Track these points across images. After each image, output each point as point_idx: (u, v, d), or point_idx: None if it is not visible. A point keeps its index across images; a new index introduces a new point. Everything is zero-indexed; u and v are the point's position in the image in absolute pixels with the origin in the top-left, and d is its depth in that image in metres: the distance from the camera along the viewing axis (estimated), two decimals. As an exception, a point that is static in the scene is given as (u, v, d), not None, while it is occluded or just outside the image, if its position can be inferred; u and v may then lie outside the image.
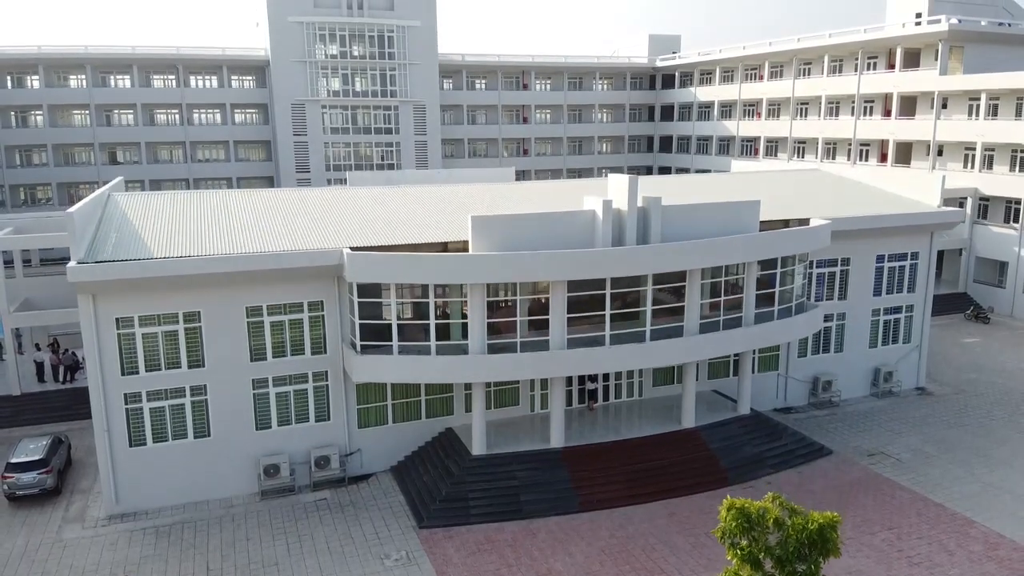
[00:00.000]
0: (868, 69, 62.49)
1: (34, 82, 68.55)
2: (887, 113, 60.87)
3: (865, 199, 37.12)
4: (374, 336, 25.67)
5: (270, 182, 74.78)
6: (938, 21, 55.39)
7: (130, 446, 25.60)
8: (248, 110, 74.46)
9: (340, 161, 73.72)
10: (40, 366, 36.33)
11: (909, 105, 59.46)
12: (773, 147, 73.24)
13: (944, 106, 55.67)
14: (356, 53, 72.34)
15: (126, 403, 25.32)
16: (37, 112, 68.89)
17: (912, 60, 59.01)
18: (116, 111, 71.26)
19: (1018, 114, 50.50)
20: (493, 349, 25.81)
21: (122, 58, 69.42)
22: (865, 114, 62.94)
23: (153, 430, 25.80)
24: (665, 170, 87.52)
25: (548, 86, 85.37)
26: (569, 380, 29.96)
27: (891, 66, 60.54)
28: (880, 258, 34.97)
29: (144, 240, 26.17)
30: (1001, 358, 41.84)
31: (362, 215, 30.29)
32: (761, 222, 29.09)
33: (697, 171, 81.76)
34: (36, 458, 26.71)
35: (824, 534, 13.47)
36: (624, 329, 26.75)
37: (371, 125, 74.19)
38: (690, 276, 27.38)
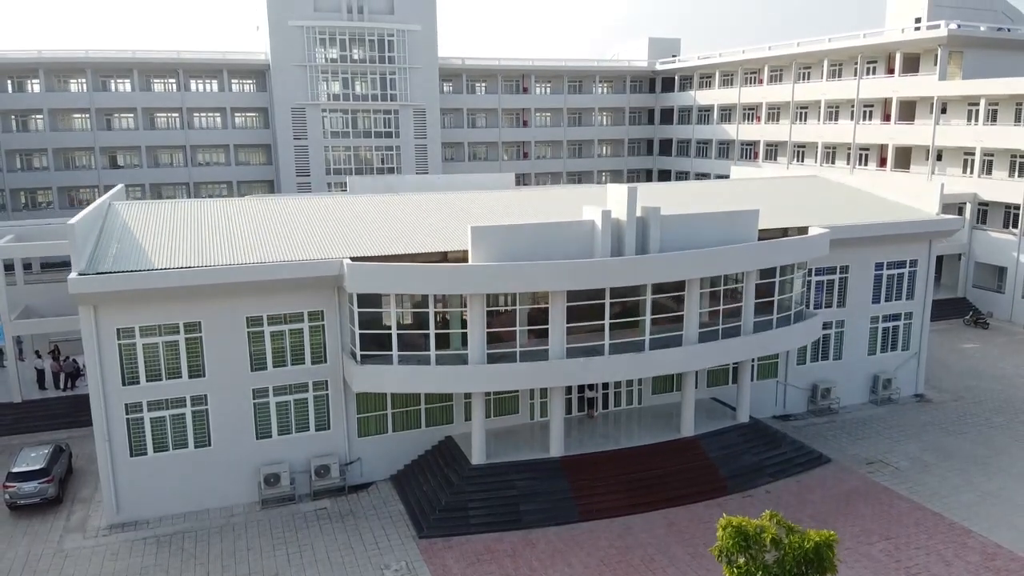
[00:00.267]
0: (867, 74, 62.59)
1: (34, 86, 68.62)
2: (886, 118, 60.95)
3: (864, 206, 37.20)
4: (374, 346, 25.75)
5: (270, 186, 74.93)
6: (937, 26, 55.46)
7: (131, 456, 25.70)
8: (248, 114, 74.56)
9: (340, 165, 73.82)
10: (41, 373, 36.42)
11: (908, 110, 59.55)
12: (773, 151, 73.33)
13: (943, 111, 55.76)
14: (356, 57, 72.43)
15: (127, 413, 25.41)
16: (38, 116, 68.95)
17: (911, 65, 59.11)
18: (116, 115, 71.33)
19: (1017, 119, 50.57)
20: (493, 359, 25.88)
21: (122, 62, 69.47)
22: (864, 118, 63.02)
23: (154, 440, 25.90)
24: (665, 173, 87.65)
25: (548, 89, 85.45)
26: (568, 388, 30.06)
27: (890, 71, 60.63)
28: (879, 265, 35.07)
29: (145, 250, 26.26)
30: (1000, 364, 41.92)
31: (362, 223, 30.38)
32: (760, 230, 29.19)
33: (697, 174, 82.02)
34: (37, 467, 26.80)
35: (820, 553, 13.56)
36: (623, 338, 26.84)
37: (371, 129, 74.28)
38: (689, 285, 27.46)
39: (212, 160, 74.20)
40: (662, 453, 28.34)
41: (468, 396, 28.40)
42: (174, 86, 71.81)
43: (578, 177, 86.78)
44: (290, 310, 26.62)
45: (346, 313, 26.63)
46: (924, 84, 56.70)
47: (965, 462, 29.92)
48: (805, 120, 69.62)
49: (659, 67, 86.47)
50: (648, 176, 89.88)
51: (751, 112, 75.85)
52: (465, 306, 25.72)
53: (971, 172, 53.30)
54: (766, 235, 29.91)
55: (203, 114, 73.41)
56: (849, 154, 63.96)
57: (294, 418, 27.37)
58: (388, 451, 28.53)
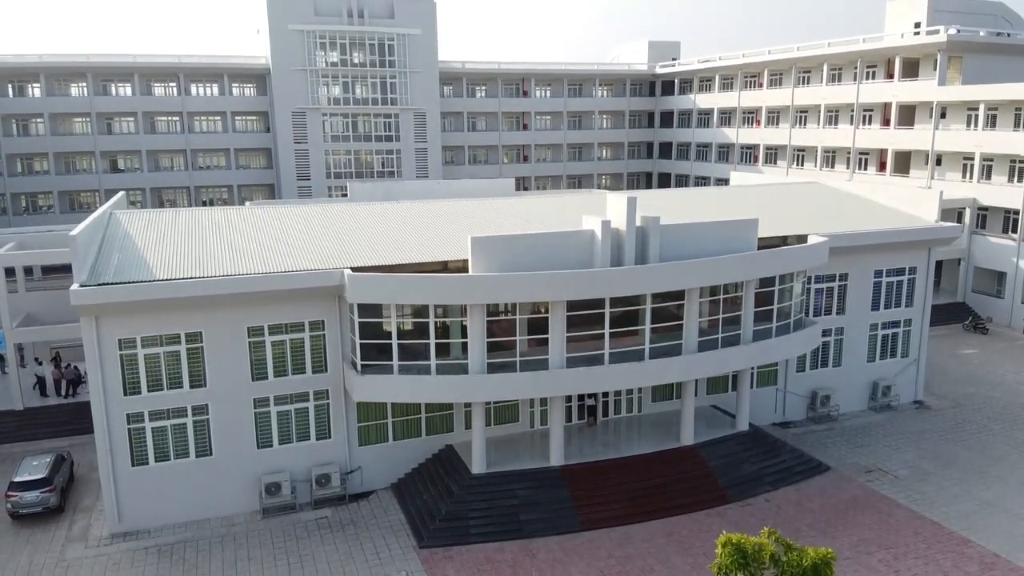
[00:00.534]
0: (867, 78, 62.68)
1: (35, 91, 68.75)
2: (886, 122, 61.05)
3: (863, 214, 37.28)
4: (375, 355, 25.84)
5: (271, 190, 75.07)
6: (937, 31, 55.57)
7: (132, 465, 25.79)
8: (249, 118, 74.68)
9: (341, 169, 73.93)
10: (41, 380, 36.52)
11: (908, 114, 59.64)
12: (772, 155, 73.43)
13: (943, 116, 55.85)
14: (356, 61, 72.55)
15: (128, 423, 25.51)
16: (38, 120, 69.09)
17: (911, 69, 59.19)
18: (117, 119, 71.43)
19: (1016, 125, 50.65)
20: (493, 368, 25.97)
21: (123, 66, 69.63)
22: (864, 123, 63.11)
23: (155, 449, 26.00)
24: (665, 176, 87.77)
25: (548, 93, 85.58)
26: (569, 397, 30.16)
27: (890, 75, 60.72)
28: (878, 273, 35.14)
29: (146, 260, 26.36)
30: (999, 370, 42.00)
31: (362, 232, 30.48)
32: (760, 238, 29.30)
33: (697, 178, 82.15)
34: (39, 477, 26.93)
35: (818, 571, 13.65)
36: (623, 347, 26.92)
37: (371, 132, 74.40)
38: (688, 294, 27.55)
39: (213, 164, 74.31)
40: (662, 462, 28.44)
41: (468, 405, 28.49)
42: (175, 90, 71.95)
43: (578, 180, 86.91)
44: (291, 320, 26.71)
45: (347, 323, 26.73)
46: (923, 89, 56.79)
47: (964, 470, 30.01)
48: (805, 124, 69.72)
49: (659, 70, 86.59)
50: (648, 179, 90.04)
51: (751, 116, 75.95)
52: (465, 315, 25.82)
53: (970, 177, 53.40)
54: (766, 243, 30.04)
55: (204, 118, 73.53)
56: (849, 158, 64.05)
57: (295, 427, 27.47)
58: (389, 460, 28.63)
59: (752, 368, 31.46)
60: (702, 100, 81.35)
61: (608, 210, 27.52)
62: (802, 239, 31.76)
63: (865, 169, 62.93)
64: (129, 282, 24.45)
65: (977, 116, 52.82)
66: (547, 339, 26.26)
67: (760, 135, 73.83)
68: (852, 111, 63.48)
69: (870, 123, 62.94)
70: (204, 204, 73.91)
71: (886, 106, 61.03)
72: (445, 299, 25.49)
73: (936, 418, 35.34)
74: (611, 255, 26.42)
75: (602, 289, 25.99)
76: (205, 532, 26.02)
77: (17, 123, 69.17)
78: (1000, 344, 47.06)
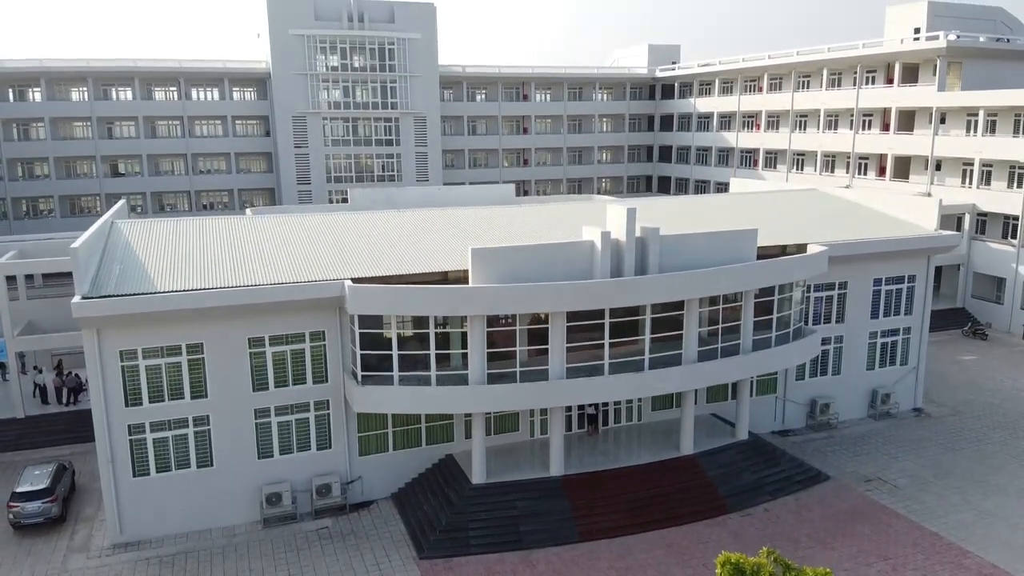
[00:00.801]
0: (867, 83, 62.75)
1: (36, 95, 68.90)
2: (886, 127, 61.11)
3: (862, 222, 37.35)
4: (375, 366, 25.92)
5: (271, 194, 75.17)
6: (936, 37, 55.61)
7: (134, 476, 25.86)
8: (249, 122, 74.75)
9: (341, 173, 74.03)
10: (41, 388, 36.58)
11: (908, 119, 59.72)
12: (772, 159, 73.49)
13: (942, 121, 55.92)
14: (357, 65, 72.64)
15: (130, 434, 25.59)
16: (39, 125, 69.20)
17: (911, 75, 59.28)
18: (118, 123, 71.53)
19: (1016, 131, 50.73)
20: (493, 378, 26.05)
21: (124, 71, 69.72)
22: (864, 128, 63.19)
23: (156, 460, 26.07)
24: (665, 180, 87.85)
25: (548, 96, 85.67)
26: (569, 406, 30.22)
27: (890, 80, 60.80)
28: (877, 281, 35.23)
29: (147, 271, 26.43)
30: (998, 377, 42.06)
31: (363, 242, 30.56)
32: (759, 247, 29.37)
33: (696, 181, 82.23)
34: (41, 487, 26.98)
35: (817, 591, 13.72)
36: (623, 357, 26.99)
37: (372, 137, 74.50)
38: (688, 305, 27.63)
39: (213, 168, 74.40)
40: (661, 472, 28.50)
41: (469, 415, 28.56)
42: (175, 94, 72.05)
43: (578, 184, 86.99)
44: (292, 330, 26.80)
45: (347, 333, 26.80)
46: (923, 95, 56.87)
47: (963, 480, 30.08)
48: (804, 129, 69.79)
49: (659, 74, 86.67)
50: (648, 183, 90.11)
51: (751, 120, 76.02)
52: (465, 326, 25.89)
53: (970, 183, 53.47)
54: (765, 252, 30.11)
55: (204, 122, 73.63)
56: (848, 163, 64.13)
57: (295, 437, 27.54)
58: (389, 469, 28.70)
59: (752, 377, 31.52)
60: (702, 104, 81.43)
61: (607, 220, 27.59)
62: (801, 248, 31.84)
63: (865, 174, 63.00)
64: (131, 294, 24.52)
65: (977, 122, 52.91)
66: (547, 349, 26.33)
67: (760, 139, 73.91)
68: (852, 116, 63.57)
69: (870, 128, 63.02)
70: (204, 208, 74.05)
71: (886, 111, 61.11)
72: (445, 310, 25.56)
73: (935, 426, 35.40)
74: (611, 266, 26.51)
75: (602, 300, 26.05)
76: (206, 542, 26.09)
77: (18, 127, 69.28)
78: (999, 350, 47.13)
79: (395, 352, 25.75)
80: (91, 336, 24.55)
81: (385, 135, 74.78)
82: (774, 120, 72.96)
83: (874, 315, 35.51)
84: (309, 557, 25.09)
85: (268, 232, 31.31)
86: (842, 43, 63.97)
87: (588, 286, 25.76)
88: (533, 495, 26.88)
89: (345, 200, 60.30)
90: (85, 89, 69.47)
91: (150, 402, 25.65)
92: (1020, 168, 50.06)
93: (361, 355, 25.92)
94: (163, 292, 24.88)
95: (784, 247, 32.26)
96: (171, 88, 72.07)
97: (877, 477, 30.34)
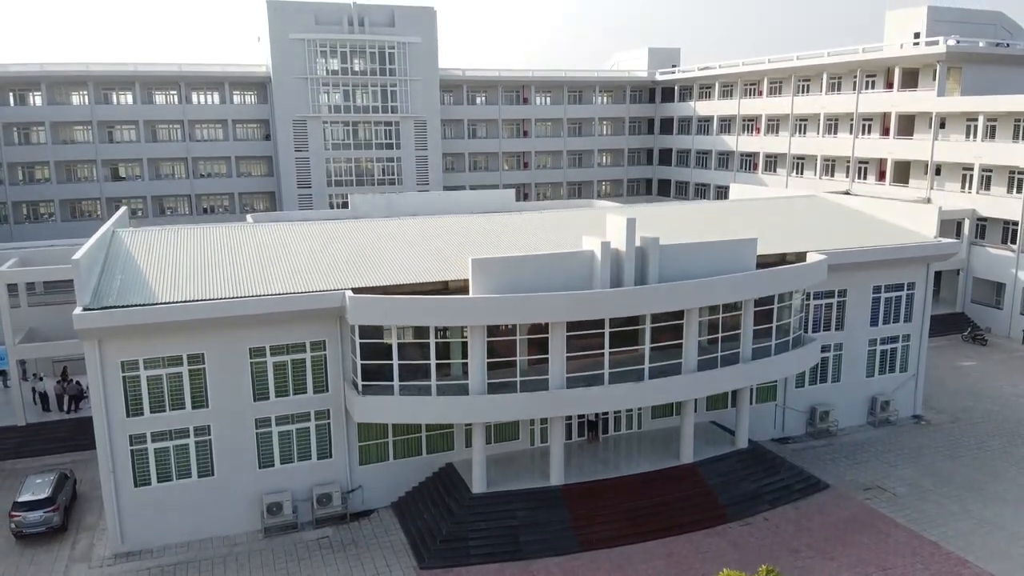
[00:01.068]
0: (867, 87, 62.81)
1: (37, 99, 68.97)
2: (885, 131, 61.16)
3: (862, 229, 37.41)
4: (375, 376, 25.99)
5: (272, 197, 75.28)
6: (936, 42, 55.66)
7: (135, 486, 25.94)
8: (250, 126, 74.84)
9: (341, 176, 74.12)
10: (43, 396, 36.63)
11: (907, 124, 59.77)
12: (772, 163, 73.55)
13: (942, 126, 55.97)
14: (357, 69, 72.73)
15: (131, 444, 25.67)
16: (40, 129, 69.30)
17: (910, 79, 59.33)
18: (118, 127, 71.63)
19: (1016, 136, 50.77)
20: (493, 388, 26.12)
21: (124, 75, 69.83)
22: (864, 132, 63.23)
23: (158, 470, 26.14)
24: (665, 183, 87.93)
25: (548, 100, 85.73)
26: (569, 415, 30.27)
27: (889, 85, 60.85)
28: (877, 289, 35.28)
29: (148, 282, 26.51)
30: (998, 383, 42.12)
31: (364, 251, 30.64)
32: (759, 256, 29.43)
33: (696, 184, 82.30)
34: (43, 496, 27.06)
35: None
36: (623, 367, 27.05)
37: (372, 140, 74.60)
38: (688, 314, 27.68)
39: (214, 172, 74.49)
40: (661, 480, 28.57)
41: (469, 424, 28.62)
42: (176, 98, 72.15)
43: (578, 187, 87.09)
44: (292, 340, 26.88)
45: (348, 343, 26.86)
46: (923, 100, 56.93)
47: (962, 488, 30.14)
48: (804, 133, 69.85)
49: (659, 77, 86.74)
50: (648, 186, 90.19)
51: (751, 123, 76.08)
52: (466, 335, 25.96)
53: (970, 188, 53.53)
54: (765, 260, 30.17)
55: (205, 126, 73.71)
56: (848, 167, 64.18)
57: (296, 447, 27.62)
58: (389, 478, 28.78)
59: (752, 385, 31.58)
60: (702, 107, 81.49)
61: (607, 231, 27.65)
62: (801, 256, 31.91)
63: (864, 178, 63.06)
64: (132, 306, 24.58)
65: (976, 127, 52.95)
66: (547, 358, 26.40)
67: (760, 143, 73.97)
68: (851, 120, 63.63)
69: (869, 132, 63.07)
70: (205, 212, 74.15)
71: (885, 115, 61.16)
72: (446, 321, 25.63)
73: (935, 433, 35.46)
74: (611, 275, 26.57)
75: (602, 310, 26.12)
76: (207, 552, 26.16)
77: (18, 131, 69.38)
78: (999, 355, 47.18)
79: (395, 362, 25.80)
80: (92, 347, 24.62)
81: (385, 139, 74.86)
82: (774, 124, 73.03)
83: (873, 322, 35.57)
84: (310, 566, 25.16)
85: (269, 240, 31.38)
86: (842, 48, 64.03)
87: (588, 296, 25.82)
88: (533, 504, 26.94)
89: (345, 204, 60.33)
90: (86, 93, 69.59)
91: (151, 412, 25.73)
92: (1020, 173, 50.12)
93: (362, 365, 25.99)
94: (164, 303, 24.94)
95: (784, 255, 32.32)
96: (172, 92, 72.16)
97: (877, 485, 30.40)
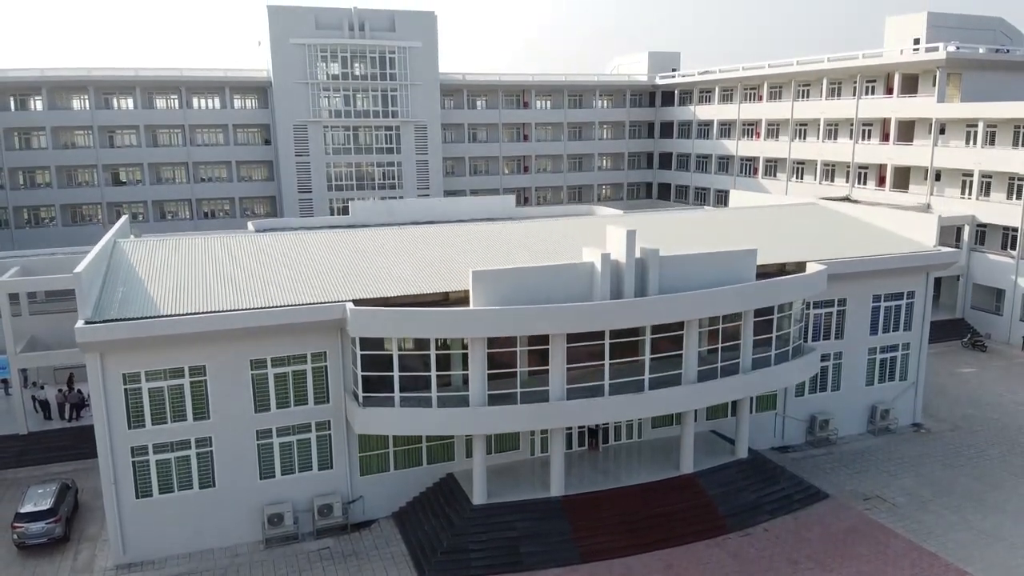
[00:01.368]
0: (867, 93, 62.87)
1: (37, 104, 69.03)
2: (885, 137, 61.25)
3: (861, 238, 37.48)
4: (376, 387, 26.06)
5: (272, 202, 75.39)
6: (936, 49, 55.72)
7: (137, 498, 26.00)
8: (250, 130, 74.94)
9: (342, 181, 74.23)
10: (44, 404, 36.68)
11: (907, 129, 59.84)
12: (772, 167, 73.62)
13: (942, 132, 56.04)
14: (358, 73, 72.84)
15: (133, 456, 25.74)
16: (40, 134, 69.38)
17: (910, 85, 59.40)
18: (119, 132, 71.66)
19: (1015, 143, 50.85)
20: (494, 399, 26.19)
21: (125, 80, 69.92)
22: (864, 137, 63.30)
23: (159, 481, 26.21)
24: (665, 187, 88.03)
25: (548, 104, 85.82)
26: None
27: (889, 90, 60.92)
28: (876, 298, 35.34)
29: (150, 294, 26.58)
30: (997, 390, 42.18)
31: (364, 261, 30.73)
32: (758, 265, 29.51)
33: (697, 188, 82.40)
34: (45, 507, 27.13)
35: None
36: (623, 377, 27.12)
37: (372, 145, 74.72)
38: (688, 325, 27.75)
39: (214, 176, 74.59)
40: (662, 491, 28.63)
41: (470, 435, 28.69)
42: (176, 103, 72.25)
43: (578, 191, 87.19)
44: (293, 352, 26.95)
45: (348, 354, 26.94)
46: (922, 106, 56.99)
47: (961, 498, 30.20)
48: (804, 137, 69.93)
49: (659, 81, 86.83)
50: (648, 189, 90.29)
51: (751, 128, 76.16)
52: (466, 347, 26.03)
53: (969, 194, 53.60)
54: (765, 270, 30.25)
55: (205, 131, 73.80)
56: (848, 172, 64.26)
57: (297, 458, 27.69)
58: (390, 488, 28.86)
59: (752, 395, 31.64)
60: (702, 112, 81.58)
61: (607, 242, 27.72)
62: (801, 266, 31.98)
63: (864, 183, 63.14)
64: (133, 319, 24.66)
65: (976, 133, 53.02)
66: (547, 369, 26.47)
67: (760, 148, 74.04)
68: (851, 125, 63.69)
69: (869, 138, 63.13)
70: (206, 216, 74.24)
71: (885, 121, 61.24)
72: (446, 332, 25.71)
73: (934, 442, 35.53)
74: (611, 287, 26.62)
75: (602, 322, 26.20)
76: (208, 563, 26.24)
77: (19, 136, 69.48)
78: (999, 362, 47.25)
79: (396, 373, 25.87)
80: (94, 359, 24.70)
81: (386, 143, 74.98)
82: (774, 128, 73.10)
83: (873, 331, 35.64)
84: (311, 578, 25.25)
85: (269, 250, 31.47)
86: (842, 53, 64.14)
87: (588, 308, 25.89)
88: (534, 516, 27.01)
89: (346, 208, 60.46)
90: (86, 98, 69.68)
91: (153, 424, 25.81)
92: (1020, 180, 50.20)
93: (363, 376, 26.07)
94: (165, 316, 25.01)
95: (783, 265, 32.40)
96: (172, 97, 72.27)
97: (876, 495, 30.47)
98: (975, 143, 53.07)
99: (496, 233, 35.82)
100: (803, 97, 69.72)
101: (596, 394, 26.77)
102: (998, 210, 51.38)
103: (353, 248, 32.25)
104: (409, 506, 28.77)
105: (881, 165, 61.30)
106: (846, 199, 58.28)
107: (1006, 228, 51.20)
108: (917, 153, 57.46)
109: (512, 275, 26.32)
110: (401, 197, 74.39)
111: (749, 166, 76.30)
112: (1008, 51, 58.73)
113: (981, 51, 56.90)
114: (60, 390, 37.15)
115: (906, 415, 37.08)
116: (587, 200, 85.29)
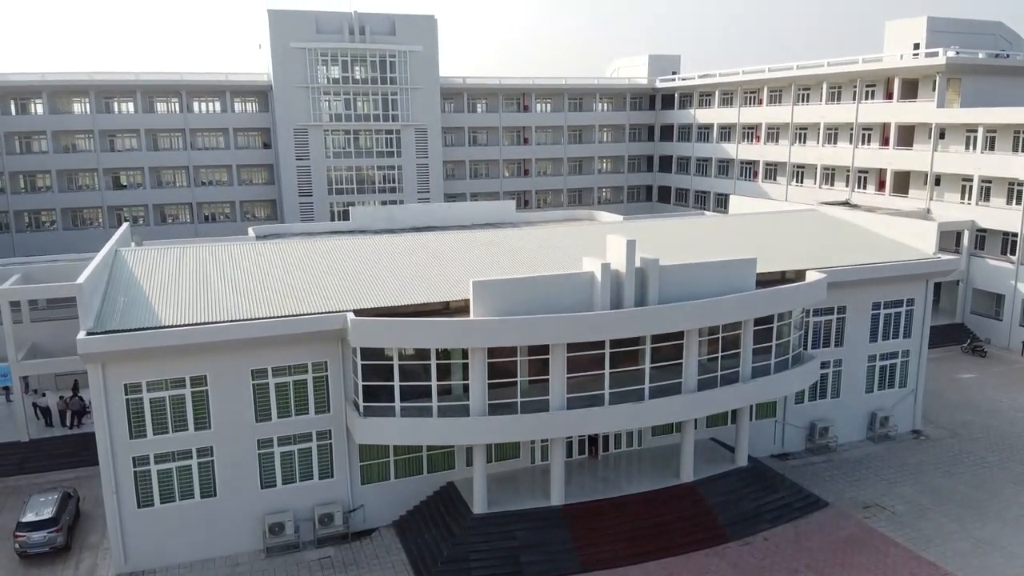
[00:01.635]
0: (866, 97, 62.95)
1: (38, 108, 69.23)
2: (885, 141, 61.32)
3: (861, 245, 37.55)
4: (377, 397, 26.12)
5: (273, 205, 75.47)
6: (936, 54, 55.79)
7: (138, 507, 26.08)
8: (251, 134, 75.07)
9: (342, 185, 74.33)
10: (45, 411, 36.77)
11: (907, 134, 59.92)
12: (772, 171, 73.70)
13: (942, 136, 56.11)
14: (358, 77, 72.95)
15: (134, 466, 25.81)
16: (41, 138, 69.52)
17: (910, 90, 59.48)
18: (120, 136, 71.83)
19: (1015, 148, 50.88)
20: (494, 409, 26.25)
21: (125, 84, 70.06)
22: (863, 142, 63.38)
23: (161, 491, 26.28)
24: (665, 189, 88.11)
25: (548, 107, 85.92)
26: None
27: (889, 95, 61.00)
28: (876, 305, 35.41)
29: (151, 304, 26.66)
30: (996, 396, 42.24)
31: (365, 270, 30.80)
32: (758, 274, 29.58)
33: (697, 191, 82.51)
34: (46, 517, 27.20)
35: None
36: (623, 386, 27.17)
37: (373, 148, 74.82)
38: (688, 334, 27.81)
39: (215, 180, 74.71)
40: (662, 500, 28.70)
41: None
42: (177, 107, 72.38)
43: (578, 194, 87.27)
44: (294, 361, 27.01)
45: (349, 364, 27.02)
46: (922, 111, 57.07)
47: (961, 506, 30.27)
48: (804, 142, 70.00)
49: (659, 84, 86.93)
50: (648, 192, 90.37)
51: (751, 131, 76.23)
52: (467, 357, 26.09)
53: (969, 198, 53.66)
54: (765, 279, 30.33)
55: (206, 135, 73.93)
56: (848, 176, 64.33)
57: (298, 467, 27.77)
58: (391, 497, 28.93)
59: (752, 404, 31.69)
60: (702, 115, 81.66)
61: (607, 251, 27.79)
62: (801, 274, 32.05)
63: (864, 188, 63.21)
64: (135, 329, 24.74)
65: (976, 138, 53.08)
66: (548, 379, 26.53)
67: (760, 151, 74.13)
68: (851, 130, 63.78)
69: (869, 142, 63.21)
70: (206, 220, 74.35)
71: (885, 126, 61.32)
72: (447, 343, 25.76)
73: (934, 449, 35.59)
74: (611, 297, 26.69)
75: (602, 332, 26.26)
76: (210, 572, 26.32)
77: (20, 140, 69.60)
78: (998, 367, 47.31)
79: (396, 383, 25.94)
80: (96, 370, 24.77)
81: (386, 147, 75.07)
82: (774, 132, 73.17)
83: (873, 338, 35.71)
84: (312, 588, 25.32)
85: (270, 259, 31.54)
86: (842, 57, 64.17)
87: (588, 318, 25.96)
88: (534, 525, 27.08)
89: (346, 212, 60.51)
90: (87, 102, 69.81)
91: (154, 434, 25.88)
92: (1019, 185, 50.25)
93: (363, 386, 26.14)
94: (167, 327, 25.10)
95: (783, 273, 32.48)
96: (173, 100, 72.38)
97: (876, 503, 30.53)
98: (975, 148, 53.13)
99: (496, 241, 35.89)
100: (803, 101, 69.81)
101: (596, 403, 26.85)
102: (998, 215, 51.45)
103: (353, 257, 32.32)
104: (410, 514, 28.84)
105: (881, 169, 61.37)
106: (846, 203, 58.44)
107: (1006, 233, 51.26)
108: (917, 158, 57.53)
109: (512, 285, 26.39)
110: (401, 201, 74.55)
111: (749, 170, 76.37)
112: (1008, 56, 58.79)
113: (981, 56, 56.97)
114: (62, 397, 37.23)
115: (905, 422, 37.15)
116: (587, 203, 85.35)
